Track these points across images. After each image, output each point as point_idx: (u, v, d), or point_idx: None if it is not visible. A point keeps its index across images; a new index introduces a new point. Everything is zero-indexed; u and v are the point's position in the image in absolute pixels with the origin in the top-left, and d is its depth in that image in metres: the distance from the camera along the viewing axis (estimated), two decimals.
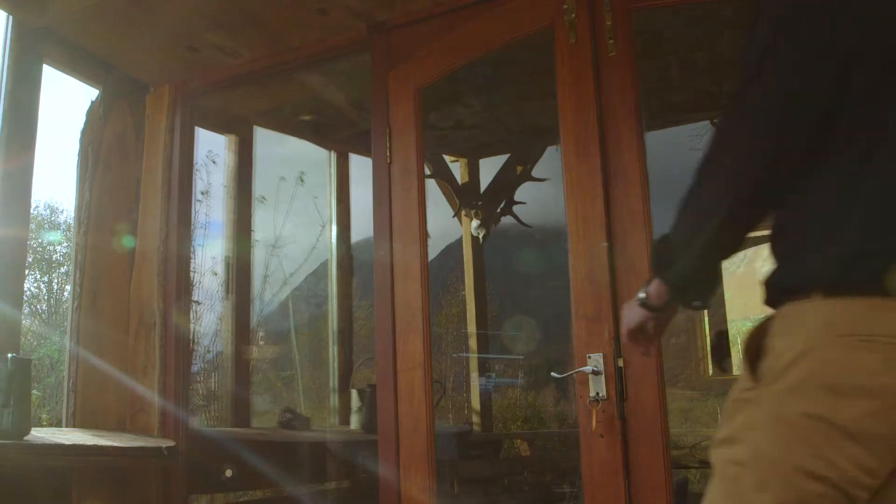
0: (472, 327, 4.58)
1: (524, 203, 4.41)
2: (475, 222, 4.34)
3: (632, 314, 1.36)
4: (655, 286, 1.30)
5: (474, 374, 4.72)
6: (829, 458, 1.04)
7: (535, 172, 4.31)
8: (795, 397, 1.05)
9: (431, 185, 4.28)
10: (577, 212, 2.15)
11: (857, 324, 1.02)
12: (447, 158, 4.42)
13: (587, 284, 2.10)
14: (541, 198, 4.42)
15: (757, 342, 1.16)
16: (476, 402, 4.68)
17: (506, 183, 4.39)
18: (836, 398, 1.04)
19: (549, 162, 4.22)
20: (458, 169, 4.49)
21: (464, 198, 4.38)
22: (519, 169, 4.36)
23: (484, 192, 4.43)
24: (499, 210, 4.41)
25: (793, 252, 1.08)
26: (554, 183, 4.23)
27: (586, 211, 2.14)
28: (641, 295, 1.33)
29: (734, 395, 1.18)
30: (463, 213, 4.42)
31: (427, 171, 4.35)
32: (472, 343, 4.65)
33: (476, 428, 4.59)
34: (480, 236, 4.35)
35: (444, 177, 4.30)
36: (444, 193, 4.40)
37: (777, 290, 1.11)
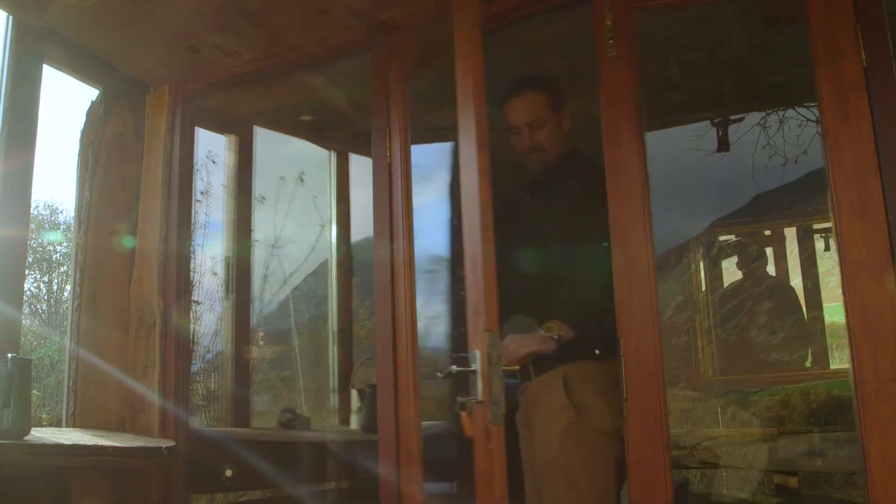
0: None
1: None
2: None
3: (544, 345, 2.22)
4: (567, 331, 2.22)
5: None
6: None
7: None
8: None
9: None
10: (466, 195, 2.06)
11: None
12: None
13: (471, 276, 1.97)
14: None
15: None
16: None
17: None
18: None
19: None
20: None
21: None
22: None
23: None
24: None
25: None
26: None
27: (469, 204, 2.02)
28: (555, 335, 2.20)
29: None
30: None
31: None
32: None
33: None
34: None
35: None
36: None
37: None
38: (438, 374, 1.89)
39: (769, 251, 5.62)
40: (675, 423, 4.50)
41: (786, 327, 5.26)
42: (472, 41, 1.80)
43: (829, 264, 5.29)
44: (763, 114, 4.45)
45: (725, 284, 5.68)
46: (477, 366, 1.66)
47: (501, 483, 1.67)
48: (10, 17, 2.61)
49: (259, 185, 3.82)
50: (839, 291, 1.89)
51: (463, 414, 1.72)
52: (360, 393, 3.62)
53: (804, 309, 5.24)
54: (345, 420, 3.81)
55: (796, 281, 5.57)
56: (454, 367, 1.76)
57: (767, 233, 5.72)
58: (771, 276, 5.47)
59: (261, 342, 4.79)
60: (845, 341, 1.90)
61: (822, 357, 5.10)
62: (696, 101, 3.70)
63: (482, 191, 1.70)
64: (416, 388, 2.37)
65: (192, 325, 3.19)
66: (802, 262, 5.53)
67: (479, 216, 1.68)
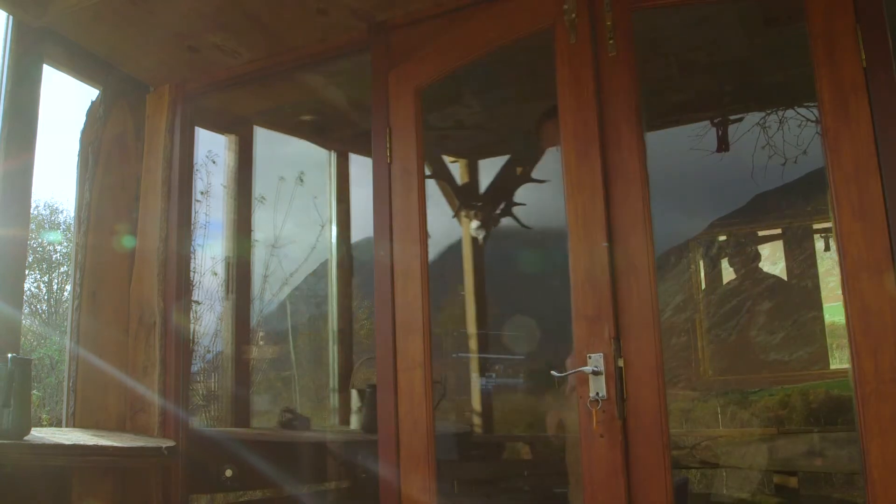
0: (471, 328, 4.57)
1: (524, 204, 4.40)
2: (475, 223, 4.34)
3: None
4: None
5: (474, 375, 4.70)
6: None
7: (535, 174, 4.30)
8: None
9: (430, 186, 4.27)
10: (577, 212, 2.15)
11: None
12: (446, 159, 4.41)
13: (587, 285, 2.10)
14: (540, 199, 4.42)
15: None
16: (477, 404, 4.67)
17: (505, 184, 4.39)
18: None
19: (550, 163, 4.22)
20: (457, 169, 4.48)
21: (463, 199, 4.38)
22: (519, 170, 4.36)
23: (483, 193, 4.42)
24: (498, 211, 4.40)
25: None
26: (554, 184, 4.22)
27: (585, 211, 2.13)
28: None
29: None
30: (462, 214, 4.42)
31: (427, 172, 4.36)
32: (472, 344, 4.63)
33: (476, 429, 4.58)
34: (480, 237, 4.35)
35: (443, 177, 4.30)
36: (444, 194, 4.40)
37: None
38: (553, 373, 2.14)
39: (774, 250, 5.60)
40: (674, 422, 4.51)
41: (786, 326, 5.26)
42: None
43: (829, 264, 5.29)
44: (763, 114, 4.45)
45: (725, 284, 5.68)
46: (602, 367, 2.00)
47: (624, 474, 1.95)
48: (10, 17, 2.61)
49: (259, 185, 3.82)
50: (839, 291, 1.90)
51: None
52: (360, 393, 3.62)
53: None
54: (345, 420, 3.81)
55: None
56: (586, 368, 2.03)
57: (777, 231, 5.71)
58: (769, 276, 5.47)
59: (261, 342, 4.79)
60: (845, 341, 1.90)
61: (822, 357, 5.10)
62: (697, 101, 3.70)
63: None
64: (430, 392, 2.36)
65: (192, 325, 3.19)
66: (802, 261, 5.52)
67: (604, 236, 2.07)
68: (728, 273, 5.75)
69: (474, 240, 4.42)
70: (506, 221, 4.45)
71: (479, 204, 4.36)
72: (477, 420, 4.61)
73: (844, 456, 3.53)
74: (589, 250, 2.11)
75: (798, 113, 4.37)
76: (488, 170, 4.45)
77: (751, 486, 4.09)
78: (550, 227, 4.53)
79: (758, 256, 5.49)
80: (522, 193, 4.38)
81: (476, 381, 4.65)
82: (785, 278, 5.50)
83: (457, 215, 4.45)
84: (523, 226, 4.52)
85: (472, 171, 4.50)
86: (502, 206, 4.41)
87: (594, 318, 2.06)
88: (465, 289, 4.55)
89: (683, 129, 4.04)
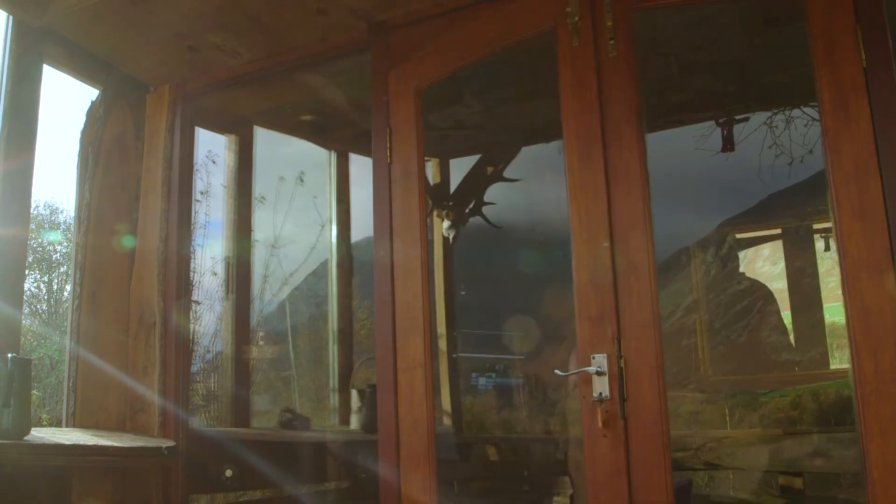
0: (441, 328, 4.55)
1: (494, 204, 4.39)
2: (445, 223, 4.33)
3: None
4: None
5: (444, 376, 4.66)
6: None
7: (506, 173, 4.29)
8: None
9: None
10: (580, 213, 2.15)
11: None
12: None
13: (590, 286, 2.10)
14: (511, 199, 4.41)
15: None
16: (447, 404, 4.63)
17: (476, 183, 4.38)
18: None
19: (521, 163, 4.23)
20: (430, 169, 4.46)
21: (435, 198, 4.36)
22: (490, 170, 4.35)
23: (454, 192, 4.40)
24: (468, 211, 4.39)
25: None
26: (525, 184, 4.23)
27: (589, 212, 2.13)
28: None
29: None
30: (434, 213, 4.40)
31: None
32: (442, 344, 4.61)
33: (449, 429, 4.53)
34: (450, 237, 4.33)
35: None
36: None
37: None
38: (557, 372, 2.16)
39: (774, 250, 5.59)
40: (683, 425, 4.50)
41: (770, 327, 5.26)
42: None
43: (829, 264, 5.28)
44: (769, 113, 4.44)
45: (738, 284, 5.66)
46: (605, 367, 2.02)
47: (626, 473, 1.96)
48: (10, 17, 2.61)
49: (259, 185, 3.82)
50: (839, 291, 1.90)
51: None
52: (360, 393, 3.62)
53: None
54: (345, 420, 3.81)
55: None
56: (590, 368, 2.04)
57: (778, 230, 5.70)
58: (747, 278, 5.47)
59: (261, 342, 4.79)
60: (845, 341, 1.90)
61: (822, 357, 5.10)
62: (697, 102, 3.70)
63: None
64: (430, 392, 2.37)
65: (192, 325, 3.19)
66: (803, 261, 5.51)
67: (606, 237, 2.09)
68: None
69: (445, 239, 4.40)
70: (475, 221, 4.43)
71: (451, 203, 4.35)
72: (447, 420, 4.57)
73: (850, 457, 3.53)
74: (592, 252, 2.11)
75: (804, 112, 4.36)
76: (459, 169, 4.44)
77: (756, 487, 4.08)
78: (518, 227, 4.53)
79: (735, 258, 5.49)
80: (492, 193, 4.37)
81: (447, 381, 4.61)
82: (784, 279, 5.51)
83: (429, 215, 4.43)
84: (493, 225, 4.51)
85: (444, 171, 4.47)
86: (471, 205, 4.39)
87: (597, 319, 2.07)
88: (436, 289, 4.52)
89: (688, 130, 4.03)
